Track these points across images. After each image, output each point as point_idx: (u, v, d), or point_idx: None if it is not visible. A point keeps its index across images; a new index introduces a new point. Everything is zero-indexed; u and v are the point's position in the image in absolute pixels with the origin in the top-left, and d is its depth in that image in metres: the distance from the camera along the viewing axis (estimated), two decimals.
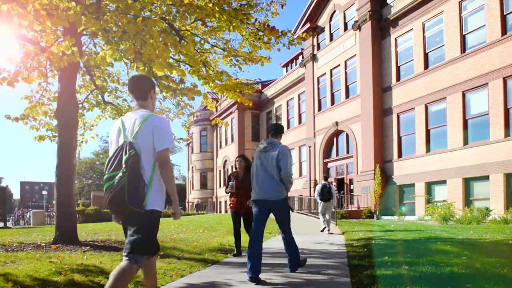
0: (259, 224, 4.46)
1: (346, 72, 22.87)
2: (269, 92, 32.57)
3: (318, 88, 25.56)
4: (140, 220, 2.48)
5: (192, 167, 41.56)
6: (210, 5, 6.21)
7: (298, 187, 26.09)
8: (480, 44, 15.56)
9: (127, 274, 2.41)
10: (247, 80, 10.64)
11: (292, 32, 7.36)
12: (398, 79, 19.60)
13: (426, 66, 18.07)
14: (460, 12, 16.38)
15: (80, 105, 8.80)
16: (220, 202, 37.63)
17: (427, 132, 17.98)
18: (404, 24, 19.13)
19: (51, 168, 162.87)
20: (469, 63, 15.89)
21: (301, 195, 23.74)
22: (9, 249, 6.42)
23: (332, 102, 24.19)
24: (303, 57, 27.23)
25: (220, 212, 36.52)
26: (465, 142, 16.08)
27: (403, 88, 19.15)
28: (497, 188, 14.63)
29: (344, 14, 23.16)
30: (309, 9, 25.66)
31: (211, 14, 6.14)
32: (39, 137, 9.01)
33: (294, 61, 31.65)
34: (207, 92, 8.90)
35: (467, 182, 16.02)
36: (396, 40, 19.70)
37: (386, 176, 19.74)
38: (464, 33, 16.32)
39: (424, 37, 18.16)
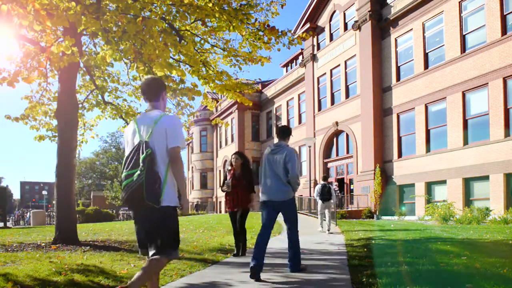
0: (267, 227, 4.60)
1: (346, 72, 22.87)
2: (269, 92, 32.57)
3: (318, 88, 25.56)
4: (161, 217, 2.64)
5: (192, 167, 41.57)
6: (210, 5, 6.21)
7: (298, 187, 26.06)
8: (480, 44, 15.56)
9: (159, 268, 2.66)
10: (247, 80, 10.65)
11: (292, 32, 7.36)
12: (398, 79, 19.60)
13: (426, 66, 18.07)
14: (460, 12, 16.38)
15: (80, 105, 8.80)
16: (220, 202, 37.62)
17: (427, 132, 17.98)
18: (404, 24, 19.13)
19: (51, 168, 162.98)
20: (469, 63, 15.89)
21: (301, 195, 23.73)
22: (9, 249, 6.42)
23: (332, 102, 24.19)
24: (303, 57, 27.23)
25: (220, 212, 36.53)
26: (465, 142, 16.07)
27: (403, 88, 19.15)
28: (497, 188, 14.63)
29: (344, 14, 23.16)
30: (309, 9, 25.65)
31: (211, 14, 6.14)
32: (39, 137, 9.01)
33: (294, 61, 31.65)
34: (207, 92, 8.90)
35: (467, 182, 16.02)
36: (396, 40, 19.70)
37: (386, 176, 19.74)
38: (464, 33, 16.32)
39: (424, 37, 18.16)
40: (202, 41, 7.78)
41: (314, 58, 25.77)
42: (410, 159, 18.64)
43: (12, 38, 5.50)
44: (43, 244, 7.09)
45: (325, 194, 10.90)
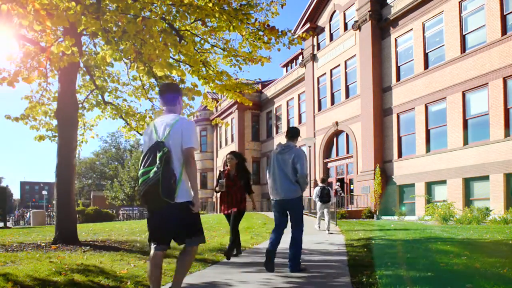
0: (279, 227, 4.84)
1: (346, 72, 22.87)
2: (269, 92, 32.57)
3: (318, 88, 25.56)
4: (179, 212, 2.85)
5: None
6: (210, 5, 6.20)
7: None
8: (480, 44, 15.56)
9: (193, 256, 2.99)
10: (247, 80, 10.65)
11: (292, 32, 7.35)
12: (398, 79, 19.60)
13: (426, 66, 18.07)
14: (460, 12, 16.39)
15: (80, 105, 8.79)
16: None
17: (427, 132, 17.98)
18: (404, 24, 19.13)
19: (51, 168, 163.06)
20: (469, 63, 15.89)
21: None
22: (9, 249, 6.42)
23: (332, 102, 24.20)
24: (303, 57, 27.23)
25: (220, 212, 36.53)
26: (465, 142, 16.08)
27: (403, 88, 19.16)
28: (497, 188, 14.63)
29: (344, 14, 23.16)
30: (309, 9, 25.66)
31: (211, 14, 6.14)
32: (39, 137, 9.01)
33: (294, 61, 31.65)
34: (207, 92, 8.90)
35: (467, 182, 16.02)
36: (396, 40, 19.70)
37: (386, 176, 19.74)
38: (464, 33, 16.32)
39: (424, 37, 18.16)
40: (202, 41, 7.77)
41: (314, 58, 25.78)
42: (410, 159, 18.64)
43: (12, 38, 5.50)
44: (43, 244, 7.09)
45: (324, 196, 11.18)
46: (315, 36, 25.57)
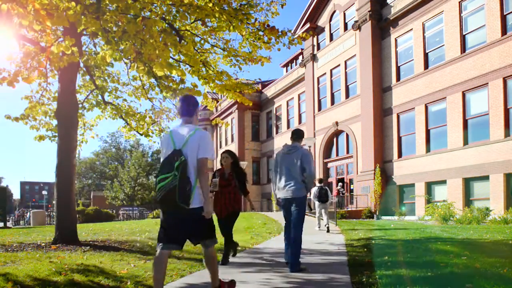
0: (289, 226, 5.02)
1: (346, 72, 22.86)
2: (269, 92, 32.57)
3: (318, 88, 25.56)
4: (195, 217, 3.04)
5: None
6: (210, 5, 6.20)
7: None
8: (480, 44, 15.56)
9: (215, 255, 3.24)
10: (247, 80, 10.65)
11: (292, 32, 7.35)
12: (398, 79, 19.60)
13: (426, 66, 18.07)
14: (460, 12, 16.38)
15: (80, 105, 8.80)
16: None
17: (427, 132, 17.98)
18: (404, 24, 19.13)
19: (51, 168, 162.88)
20: (469, 63, 15.89)
21: None
22: (9, 249, 6.42)
23: (332, 102, 24.19)
24: (303, 57, 27.23)
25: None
26: (465, 142, 16.07)
27: (403, 88, 19.15)
28: (497, 188, 14.63)
29: (344, 14, 23.16)
30: (309, 9, 25.65)
31: (211, 14, 6.14)
32: (39, 137, 9.01)
33: (294, 61, 31.64)
34: (207, 92, 8.90)
35: (467, 182, 16.02)
36: (396, 40, 19.70)
37: (386, 176, 19.74)
38: (464, 33, 16.32)
39: (424, 37, 18.16)
40: (202, 41, 7.77)
41: (314, 58, 25.77)
42: (410, 159, 18.64)
43: (12, 38, 5.50)
44: (43, 244, 7.09)
45: (322, 196, 11.33)
46: (315, 36, 25.56)
